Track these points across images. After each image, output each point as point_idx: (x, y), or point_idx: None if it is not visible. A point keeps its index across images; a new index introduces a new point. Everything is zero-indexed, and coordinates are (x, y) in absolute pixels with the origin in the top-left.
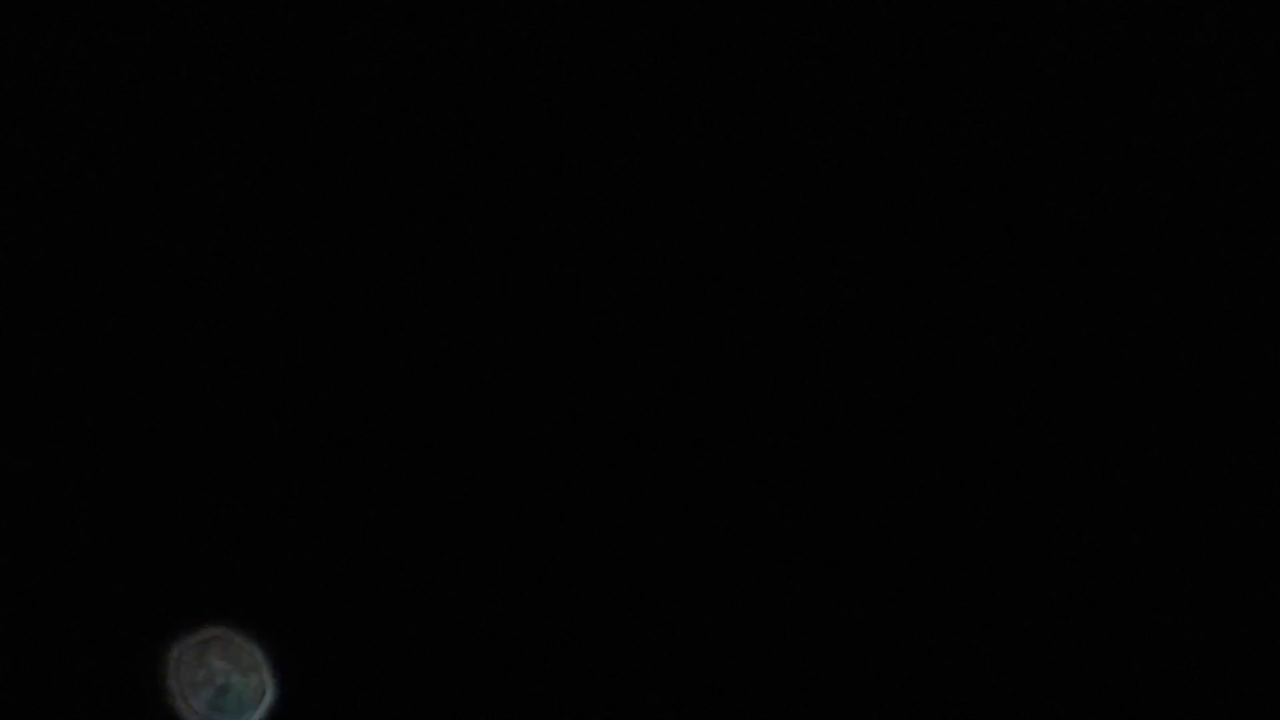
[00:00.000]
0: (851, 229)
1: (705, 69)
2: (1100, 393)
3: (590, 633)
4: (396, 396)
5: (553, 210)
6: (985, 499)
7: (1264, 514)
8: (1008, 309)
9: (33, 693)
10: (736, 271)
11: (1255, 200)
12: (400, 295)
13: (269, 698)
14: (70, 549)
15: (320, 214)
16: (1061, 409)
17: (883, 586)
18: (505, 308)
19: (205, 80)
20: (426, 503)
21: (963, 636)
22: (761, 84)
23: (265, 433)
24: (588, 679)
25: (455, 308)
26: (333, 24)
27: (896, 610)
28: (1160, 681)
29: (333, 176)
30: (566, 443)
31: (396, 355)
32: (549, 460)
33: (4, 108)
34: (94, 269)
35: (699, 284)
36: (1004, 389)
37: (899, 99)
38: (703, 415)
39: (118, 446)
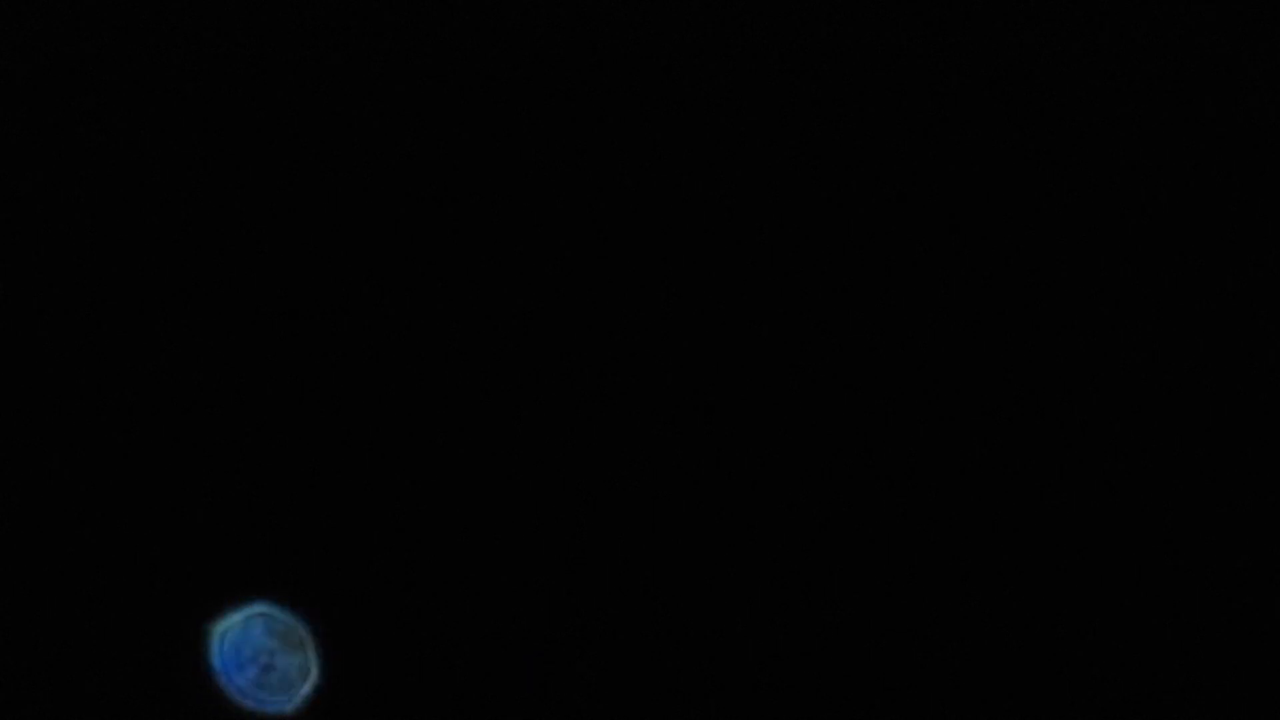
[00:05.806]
0: (851, 229)
1: (706, 69)
2: (1101, 393)
3: (618, 617)
4: (442, 373)
5: (553, 210)
6: (986, 499)
7: (1264, 514)
8: (1008, 309)
9: (76, 671)
10: (736, 271)
11: (1255, 200)
12: (443, 273)
13: (314, 676)
14: (114, 526)
15: (325, 211)
16: (1062, 409)
17: (883, 586)
18: (537, 284)
19: (205, 80)
20: (471, 483)
21: (963, 636)
22: (762, 84)
23: (310, 408)
24: (627, 658)
25: (495, 287)
26: (333, 24)
27: (897, 610)
28: (1160, 682)
29: (333, 176)
30: (598, 428)
31: (434, 338)
32: (588, 445)
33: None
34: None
35: (699, 284)
36: (1004, 389)
37: (899, 99)
38: (706, 414)
39: (164, 422)
